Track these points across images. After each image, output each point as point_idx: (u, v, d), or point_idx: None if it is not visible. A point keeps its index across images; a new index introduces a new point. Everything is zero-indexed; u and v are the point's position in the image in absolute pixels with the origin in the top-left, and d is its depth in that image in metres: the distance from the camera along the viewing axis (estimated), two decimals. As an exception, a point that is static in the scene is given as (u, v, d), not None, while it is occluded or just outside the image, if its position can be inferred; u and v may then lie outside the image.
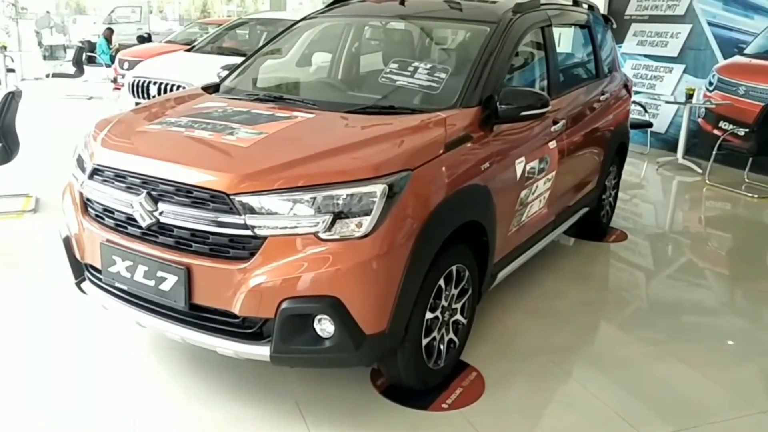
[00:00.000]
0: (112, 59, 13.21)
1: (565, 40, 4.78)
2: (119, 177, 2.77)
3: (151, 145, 2.88)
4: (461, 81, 3.24)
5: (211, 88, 3.73)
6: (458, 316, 3.11)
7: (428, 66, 3.37)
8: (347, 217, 2.47)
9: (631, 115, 7.94)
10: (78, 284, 3.07)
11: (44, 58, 17.71)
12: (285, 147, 2.72)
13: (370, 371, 3.11)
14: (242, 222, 2.46)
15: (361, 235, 2.47)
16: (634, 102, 8.20)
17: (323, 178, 2.50)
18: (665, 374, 3.30)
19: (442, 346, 3.02)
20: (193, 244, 2.57)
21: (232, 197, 2.47)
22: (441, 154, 2.80)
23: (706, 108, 8.05)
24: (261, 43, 4.80)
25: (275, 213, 2.47)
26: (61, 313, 3.63)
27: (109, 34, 14.82)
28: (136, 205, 2.64)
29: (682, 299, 4.31)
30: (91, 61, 13.94)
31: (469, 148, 3.00)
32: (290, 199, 2.47)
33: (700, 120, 8.20)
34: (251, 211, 2.47)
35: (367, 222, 2.47)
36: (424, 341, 2.85)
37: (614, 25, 5.37)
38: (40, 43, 19.04)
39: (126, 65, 9.98)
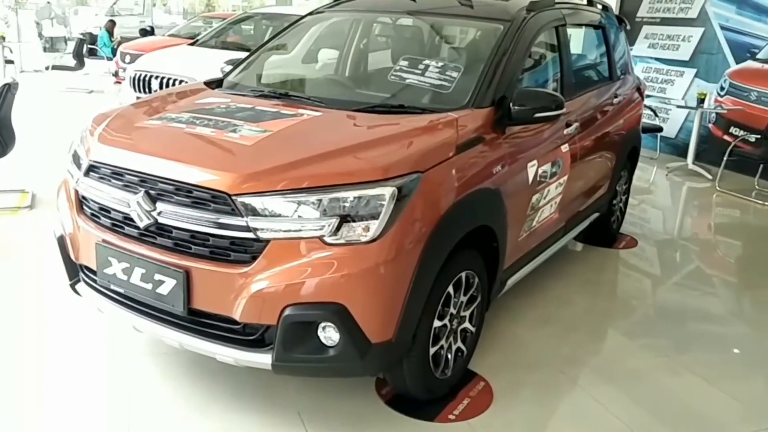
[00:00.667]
0: (114, 52, 13.09)
1: (578, 40, 4.65)
2: (116, 174, 2.65)
3: (150, 142, 2.77)
4: (473, 80, 3.13)
5: (214, 83, 3.62)
6: (466, 324, 3.00)
7: (439, 64, 3.25)
8: (354, 221, 2.36)
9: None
10: (72, 285, 2.96)
11: (44, 50, 17.54)
12: (290, 146, 2.61)
13: (375, 380, 3.00)
14: (244, 224, 2.35)
15: (368, 239, 2.36)
16: (644, 105, 8.10)
17: (330, 180, 2.39)
18: (676, 385, 3.20)
19: (449, 355, 2.91)
20: (192, 246, 2.46)
21: (234, 198, 2.36)
22: (452, 156, 2.69)
23: (717, 113, 7.92)
24: (266, 38, 4.67)
25: (279, 215, 2.35)
26: (56, 314, 3.52)
27: (111, 27, 14.69)
28: (134, 205, 2.52)
29: (693, 307, 4.20)
30: (93, 53, 13.81)
31: (481, 150, 2.89)
32: (295, 200, 2.35)
33: (710, 125, 8.08)
34: (254, 212, 2.35)
35: (375, 226, 2.36)
36: (432, 350, 2.74)
37: (628, 27, 5.25)
38: (40, 35, 18.88)
39: (128, 58, 9.85)
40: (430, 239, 2.50)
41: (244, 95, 3.30)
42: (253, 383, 2.94)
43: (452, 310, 2.84)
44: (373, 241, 2.36)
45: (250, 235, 2.35)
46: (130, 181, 2.59)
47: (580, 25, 4.46)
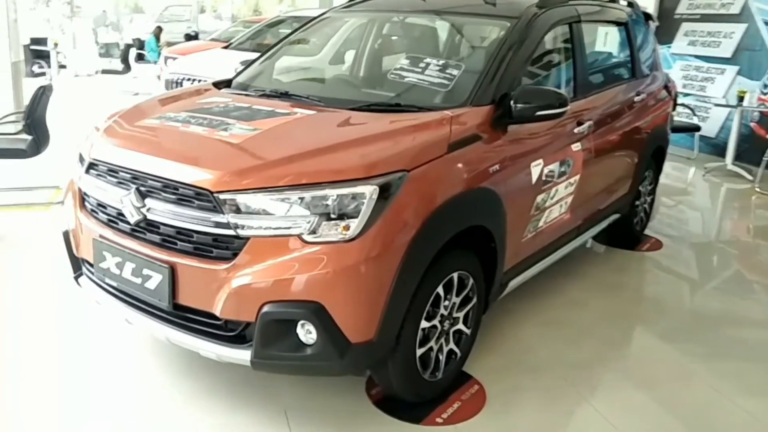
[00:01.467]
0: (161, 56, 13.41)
1: (598, 37, 4.53)
2: (112, 172, 2.71)
3: (144, 140, 2.82)
4: (474, 78, 3.08)
5: (223, 84, 3.65)
6: (460, 326, 2.94)
7: (440, 62, 3.21)
8: (335, 219, 2.34)
9: (678, 118, 7.64)
10: (76, 278, 3.03)
11: (100, 55, 18.10)
12: (276, 144, 2.62)
13: (366, 380, 2.97)
14: (225, 221, 2.37)
15: (348, 238, 2.34)
16: (682, 104, 7.85)
17: (311, 178, 2.38)
18: (692, 399, 3.05)
19: (440, 357, 2.86)
20: (178, 242, 2.49)
21: (216, 195, 2.37)
22: (443, 155, 2.65)
23: (760, 111, 7.60)
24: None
25: (259, 213, 2.37)
26: (70, 305, 3.59)
27: (158, 32, 15.00)
28: (125, 201, 2.58)
29: (719, 314, 4.02)
30: (141, 58, 14.17)
31: (477, 148, 2.83)
32: (275, 198, 2.36)
33: (753, 124, 7.75)
34: (235, 209, 2.37)
35: (355, 224, 2.34)
36: (419, 351, 2.70)
37: (656, 23, 5.08)
38: (96, 41, 19.53)
39: (169, 62, 10.07)
40: (415, 238, 2.47)
41: (246, 95, 3.33)
42: (247, 378, 2.94)
43: (443, 311, 2.79)
44: (352, 239, 2.34)
45: (231, 232, 2.37)
46: (123, 178, 2.65)
47: (598, 22, 4.34)
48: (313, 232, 2.33)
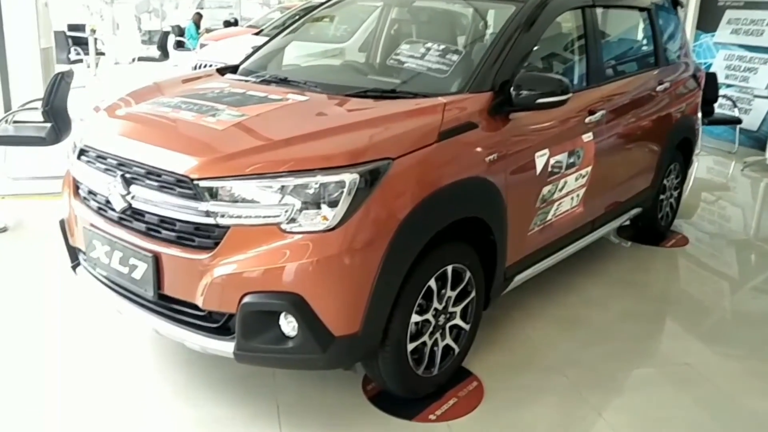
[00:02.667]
0: (200, 43, 13.48)
1: (620, 23, 4.33)
2: (100, 158, 2.69)
3: (132, 126, 2.78)
4: (473, 64, 2.97)
5: (229, 70, 3.60)
6: (458, 321, 2.85)
7: (440, 48, 3.10)
8: (314, 208, 2.27)
9: (719, 110, 7.34)
10: (73, 268, 3.03)
11: (143, 42, 18.34)
12: (261, 131, 2.56)
13: (364, 375, 2.89)
14: (206, 209, 2.32)
15: (327, 227, 2.27)
16: (723, 96, 7.53)
17: (291, 165, 2.31)
18: (704, 404, 2.91)
19: (436, 352, 2.77)
20: (162, 230, 2.45)
21: (196, 182, 2.32)
22: (432, 143, 2.55)
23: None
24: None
25: (238, 201, 2.31)
26: (74, 294, 3.60)
27: (197, 19, 15.10)
28: (111, 188, 2.55)
29: (741, 313, 3.84)
30: (181, 45, 14.28)
31: (472, 137, 2.72)
32: (254, 186, 2.30)
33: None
34: (215, 197, 2.31)
35: (335, 213, 2.27)
36: (411, 346, 2.62)
37: (683, 6, 4.86)
38: (139, 28, 19.79)
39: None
40: (400, 229, 2.38)
41: (246, 80, 3.27)
42: (242, 372, 2.90)
43: (437, 305, 2.70)
44: (332, 229, 2.27)
45: (211, 220, 2.32)
46: (110, 164, 2.62)
47: (617, 8, 4.16)
48: (292, 221, 2.27)
